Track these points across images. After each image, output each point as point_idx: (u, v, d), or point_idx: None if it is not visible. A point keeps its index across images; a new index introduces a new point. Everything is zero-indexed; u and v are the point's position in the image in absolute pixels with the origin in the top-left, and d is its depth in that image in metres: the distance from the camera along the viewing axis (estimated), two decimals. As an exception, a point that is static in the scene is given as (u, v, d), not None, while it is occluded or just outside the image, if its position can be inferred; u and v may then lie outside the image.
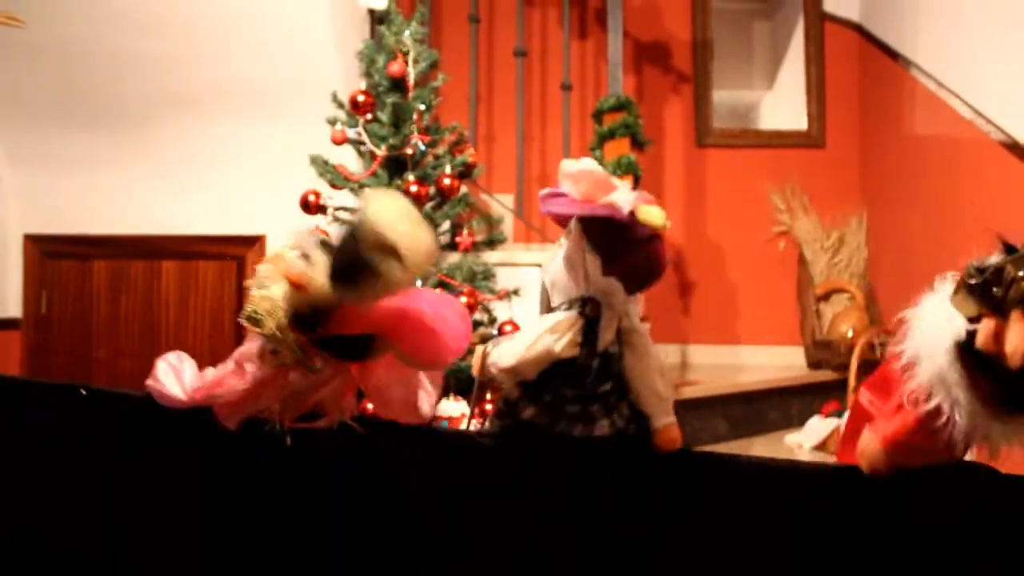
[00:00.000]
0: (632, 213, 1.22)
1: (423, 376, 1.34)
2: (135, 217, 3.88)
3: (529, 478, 1.32)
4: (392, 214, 1.11)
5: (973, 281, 0.93)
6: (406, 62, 2.78)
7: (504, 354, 1.39)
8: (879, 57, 4.19)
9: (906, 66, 3.83)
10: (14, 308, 3.96)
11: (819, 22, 4.61)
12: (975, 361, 0.95)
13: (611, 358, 1.36)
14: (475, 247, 2.90)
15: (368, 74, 2.87)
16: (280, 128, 3.59)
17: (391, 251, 1.09)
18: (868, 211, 4.34)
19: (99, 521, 1.43)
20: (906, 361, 1.02)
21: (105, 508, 1.43)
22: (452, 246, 2.90)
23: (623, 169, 3.26)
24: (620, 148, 3.38)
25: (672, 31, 4.71)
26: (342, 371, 1.26)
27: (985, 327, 0.92)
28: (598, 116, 3.59)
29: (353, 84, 2.93)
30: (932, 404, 1.01)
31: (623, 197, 1.24)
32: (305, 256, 1.15)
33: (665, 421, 1.37)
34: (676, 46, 4.70)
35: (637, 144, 3.53)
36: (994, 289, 0.91)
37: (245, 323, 1.15)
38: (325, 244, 1.16)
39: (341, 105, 2.85)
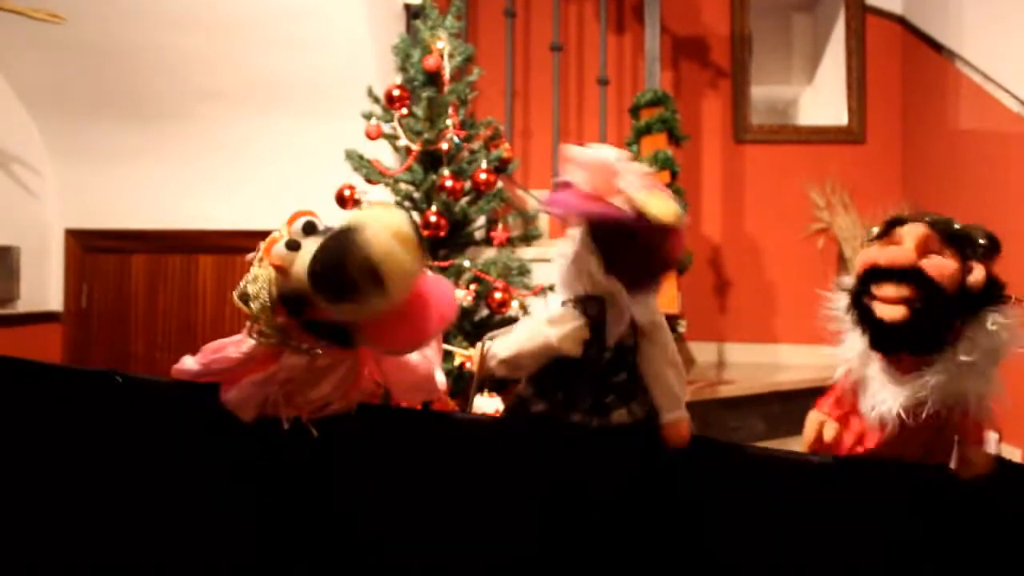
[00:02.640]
0: (640, 213, 1.18)
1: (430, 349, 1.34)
2: (173, 212, 3.92)
3: (539, 465, 1.31)
4: (387, 242, 1.10)
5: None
6: (441, 56, 2.77)
7: (502, 346, 1.37)
8: (922, 50, 4.11)
9: (951, 59, 3.75)
10: (55, 302, 4.02)
11: (860, 15, 4.53)
12: (866, 285, 1.10)
13: (625, 350, 1.34)
14: (510, 242, 2.89)
15: (403, 68, 2.86)
16: (316, 123, 3.60)
17: (376, 280, 1.08)
18: (910, 208, 4.24)
19: (118, 505, 1.45)
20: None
21: (126, 493, 1.44)
22: (487, 241, 2.88)
23: (660, 164, 3.22)
24: (657, 143, 3.34)
25: (710, 25, 4.65)
26: (344, 360, 1.25)
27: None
28: (635, 111, 3.56)
29: (388, 79, 2.92)
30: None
31: (630, 193, 1.20)
32: (292, 242, 1.16)
33: (673, 416, 1.35)
34: (714, 40, 4.65)
35: (674, 139, 3.49)
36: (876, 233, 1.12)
37: (236, 302, 1.16)
38: (310, 229, 1.17)
39: (376, 100, 2.84)
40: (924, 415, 1.10)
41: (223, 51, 3.58)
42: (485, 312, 2.74)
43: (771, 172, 4.56)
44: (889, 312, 1.05)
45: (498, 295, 2.62)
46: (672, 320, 2.76)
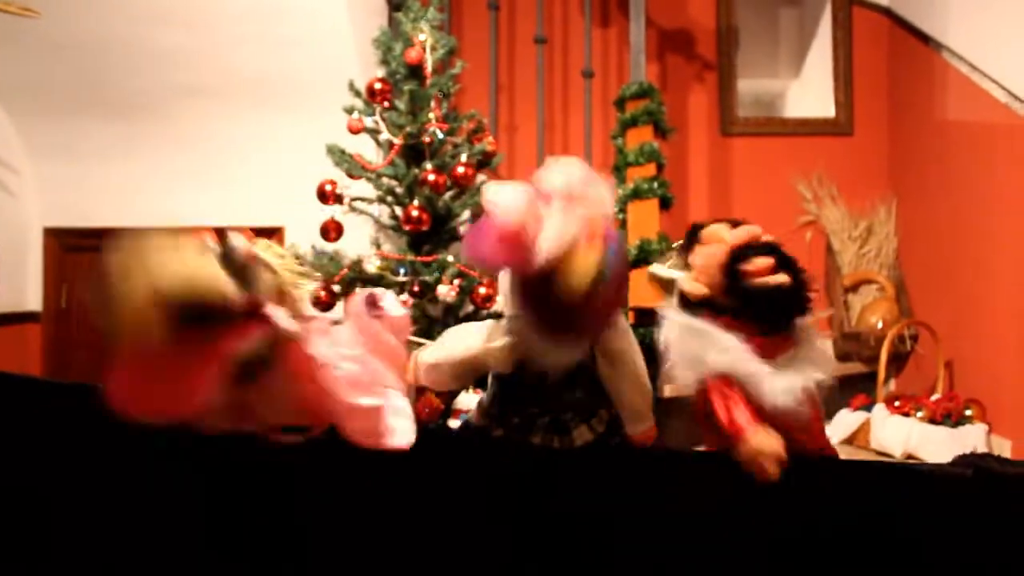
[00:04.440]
0: (551, 269, 1.06)
1: (396, 402, 1.23)
2: (154, 209, 3.86)
3: (506, 490, 1.26)
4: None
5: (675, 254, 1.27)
6: (423, 49, 2.73)
7: (429, 353, 1.32)
8: (909, 41, 4.09)
9: (937, 49, 3.73)
10: (34, 302, 3.96)
11: (847, 7, 4.50)
12: (697, 308, 1.19)
13: (579, 368, 1.30)
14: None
15: (385, 62, 2.83)
16: (298, 118, 3.55)
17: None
18: (897, 200, 4.24)
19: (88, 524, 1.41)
20: None
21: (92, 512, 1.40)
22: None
23: (646, 157, 3.19)
24: (643, 136, 3.31)
25: (696, 18, 4.62)
26: (271, 383, 1.17)
27: (683, 282, 1.23)
28: (620, 103, 3.53)
29: (370, 72, 2.88)
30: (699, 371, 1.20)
31: (546, 248, 1.06)
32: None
33: (636, 429, 1.33)
34: (700, 33, 4.62)
35: (660, 132, 3.46)
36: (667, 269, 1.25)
37: None
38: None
39: (358, 94, 2.80)
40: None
41: (203, 47, 3.52)
42: (471, 308, 2.71)
43: (758, 165, 4.54)
44: (779, 278, 1.12)
45: (483, 290, 2.58)
46: (659, 314, 2.73)
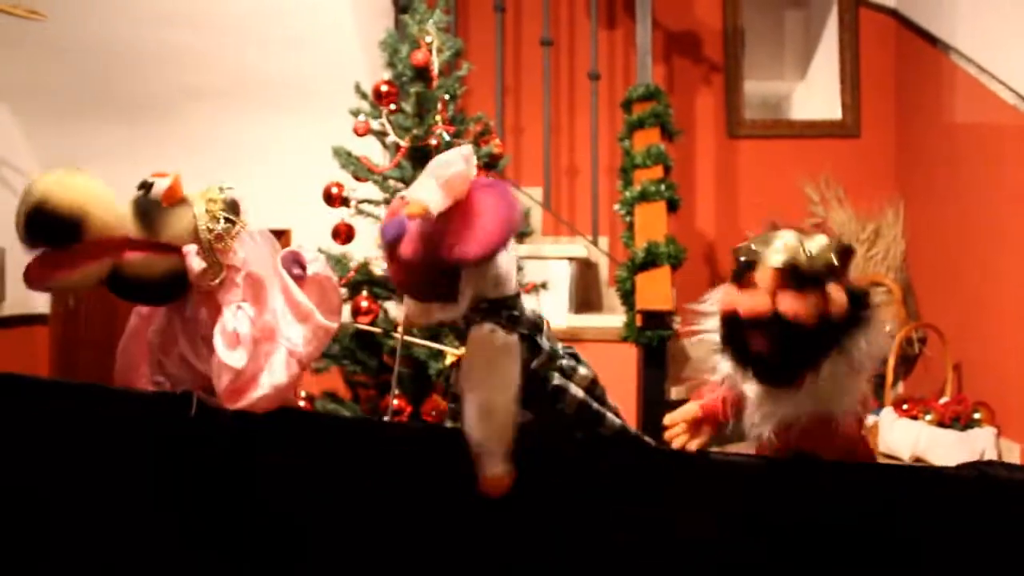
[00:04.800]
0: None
1: (275, 361, 1.31)
2: (160, 211, 3.87)
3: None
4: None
5: (735, 249, 1.13)
6: (430, 51, 2.72)
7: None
8: (916, 43, 4.08)
9: (945, 51, 3.72)
10: (42, 304, 3.96)
11: (854, 8, 4.50)
12: (731, 329, 1.12)
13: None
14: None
15: (391, 64, 2.81)
16: (305, 120, 3.55)
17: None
18: (905, 202, 4.23)
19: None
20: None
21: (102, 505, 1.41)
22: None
23: (652, 159, 3.18)
24: (649, 138, 3.30)
25: (702, 20, 4.62)
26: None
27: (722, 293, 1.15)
28: (627, 105, 3.52)
29: (376, 75, 2.88)
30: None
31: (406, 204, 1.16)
32: None
33: (479, 468, 1.30)
34: (707, 35, 4.61)
35: (667, 134, 3.45)
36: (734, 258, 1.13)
37: None
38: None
39: (364, 96, 2.80)
40: (795, 432, 1.15)
41: (209, 49, 3.53)
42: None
43: (765, 167, 4.53)
44: (756, 344, 1.09)
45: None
46: (667, 316, 2.72)
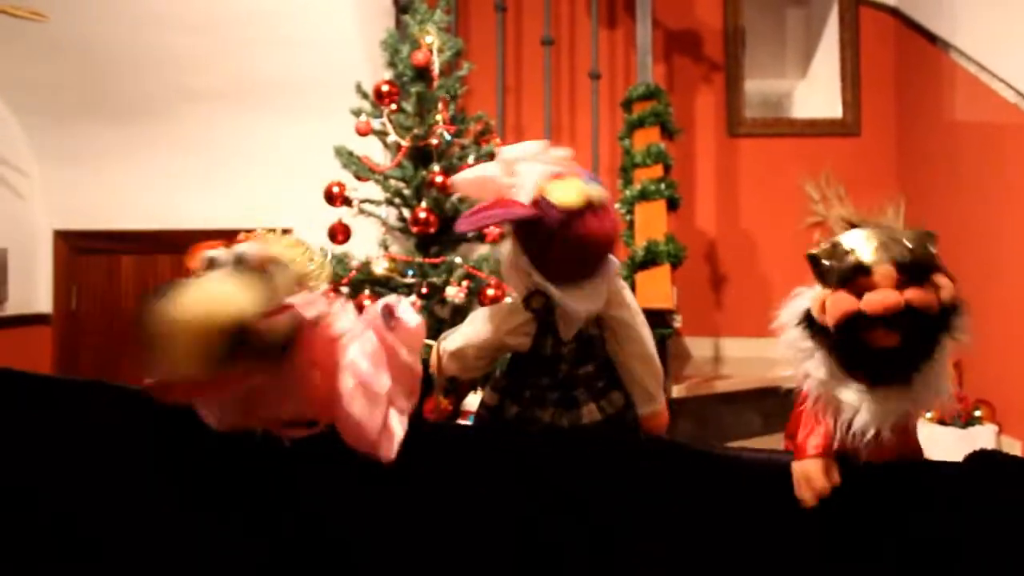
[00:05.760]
0: (540, 201, 1.18)
1: (392, 419, 1.25)
2: (162, 212, 3.88)
3: (516, 473, 1.27)
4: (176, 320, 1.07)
5: (815, 255, 1.12)
6: (431, 51, 2.73)
7: (451, 340, 1.35)
8: (917, 41, 4.08)
9: (945, 49, 3.72)
10: (44, 304, 3.97)
11: (854, 6, 4.50)
12: (816, 329, 1.10)
13: (589, 342, 1.32)
14: (503, 238, 2.85)
15: (392, 64, 2.82)
16: (306, 120, 3.56)
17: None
18: (906, 200, 4.19)
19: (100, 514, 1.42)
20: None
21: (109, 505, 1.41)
22: (480, 238, 2.85)
23: (653, 158, 3.19)
24: (650, 137, 3.31)
25: (703, 19, 4.62)
26: (289, 368, 1.19)
27: (816, 296, 1.10)
28: (627, 105, 3.53)
29: (377, 75, 2.89)
30: (793, 374, 1.14)
31: (525, 188, 1.20)
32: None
33: (647, 409, 1.34)
34: (707, 34, 4.62)
35: (667, 133, 3.46)
36: (824, 263, 1.10)
37: None
38: (211, 264, 1.20)
39: (365, 96, 2.80)
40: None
41: (211, 50, 3.54)
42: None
43: (765, 166, 4.53)
44: (883, 339, 1.06)
45: (491, 292, 2.58)
46: (667, 315, 2.73)
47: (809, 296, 1.14)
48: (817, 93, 4.79)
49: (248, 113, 3.68)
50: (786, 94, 5.04)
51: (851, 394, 1.11)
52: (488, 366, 1.38)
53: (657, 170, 3.16)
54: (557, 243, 1.20)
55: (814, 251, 1.13)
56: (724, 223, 4.53)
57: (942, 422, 3.21)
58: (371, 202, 2.70)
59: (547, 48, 3.74)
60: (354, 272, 2.60)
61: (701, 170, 4.56)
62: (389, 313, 1.27)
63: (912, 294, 1.05)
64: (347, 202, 2.69)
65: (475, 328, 1.35)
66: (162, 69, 3.61)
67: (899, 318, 1.04)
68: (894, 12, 4.39)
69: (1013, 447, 3.16)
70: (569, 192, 1.17)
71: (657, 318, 2.67)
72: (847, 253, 1.09)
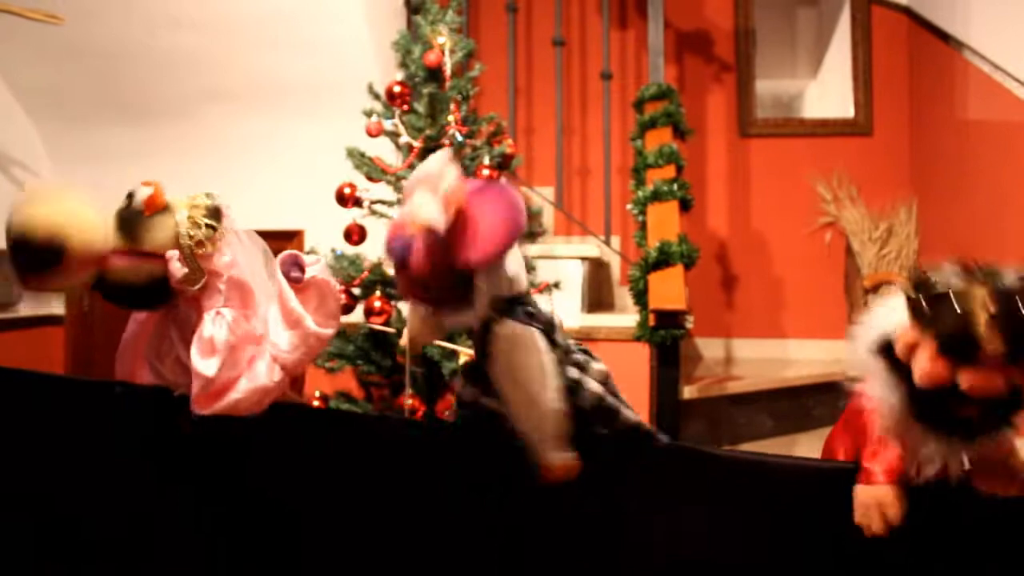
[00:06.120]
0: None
1: (258, 368, 1.33)
2: (174, 213, 3.88)
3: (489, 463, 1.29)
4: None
5: (914, 293, 0.97)
6: (442, 52, 2.73)
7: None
8: (929, 40, 4.06)
9: (958, 48, 3.70)
10: (57, 305, 3.99)
11: (866, 6, 4.48)
12: (894, 360, 0.99)
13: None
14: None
15: (404, 64, 2.82)
16: (318, 122, 3.57)
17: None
18: (918, 200, 4.21)
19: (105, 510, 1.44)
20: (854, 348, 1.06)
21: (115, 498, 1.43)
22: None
23: (665, 159, 3.18)
24: (661, 137, 3.30)
25: (713, 19, 4.61)
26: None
27: (905, 334, 0.97)
28: (639, 105, 3.52)
29: (389, 76, 2.89)
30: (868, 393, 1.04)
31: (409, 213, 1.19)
32: None
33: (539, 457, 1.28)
34: (718, 34, 4.61)
35: (679, 134, 3.45)
36: (926, 307, 0.95)
37: None
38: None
39: (377, 97, 2.81)
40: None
41: (224, 51, 3.55)
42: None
43: (777, 166, 4.52)
44: (964, 411, 0.99)
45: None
46: (680, 316, 2.72)
47: (894, 323, 1.01)
48: (829, 93, 4.78)
49: (261, 114, 3.69)
50: (797, 94, 5.03)
51: (916, 431, 1.05)
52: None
53: (669, 171, 3.16)
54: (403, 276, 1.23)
55: (913, 286, 0.99)
56: (736, 224, 4.52)
57: None
58: (383, 203, 2.70)
59: (558, 49, 3.74)
60: (366, 273, 2.60)
61: (713, 171, 4.56)
62: (294, 262, 1.38)
63: (1016, 376, 0.95)
64: (358, 203, 2.69)
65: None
66: (175, 71, 3.63)
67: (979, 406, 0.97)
68: (906, 11, 4.38)
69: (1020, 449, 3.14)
70: (419, 212, 1.16)
71: (670, 319, 2.66)
72: (956, 312, 0.94)
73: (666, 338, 2.67)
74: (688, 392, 3.20)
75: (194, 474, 1.39)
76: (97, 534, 1.45)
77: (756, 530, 1.20)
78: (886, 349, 1.01)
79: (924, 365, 0.94)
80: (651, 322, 2.69)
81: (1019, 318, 0.92)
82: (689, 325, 2.96)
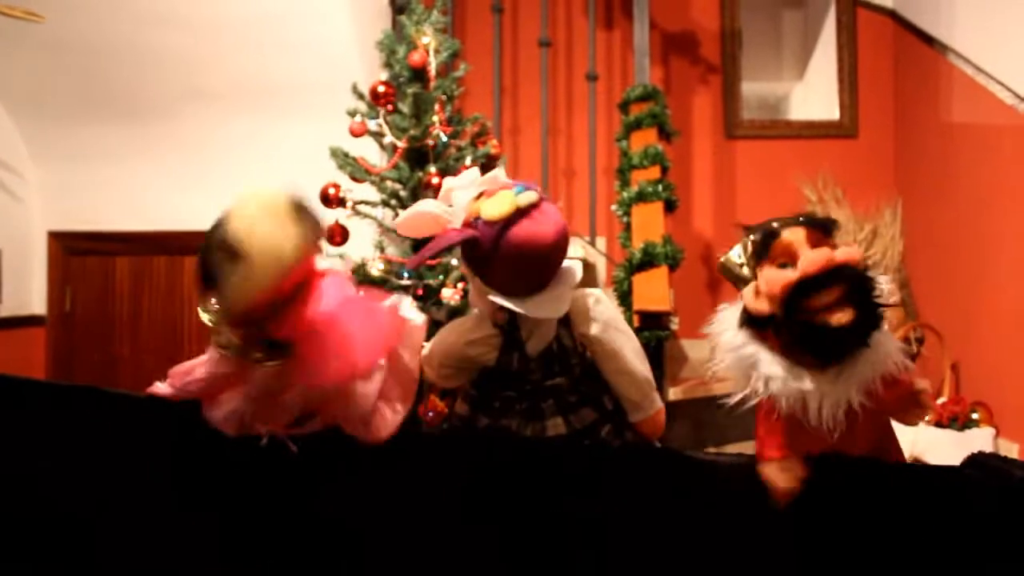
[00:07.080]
0: (471, 221, 1.24)
1: (394, 392, 1.27)
2: (157, 213, 3.86)
3: (484, 481, 1.28)
4: (250, 214, 1.09)
5: (724, 261, 1.14)
6: (427, 52, 2.72)
7: (426, 347, 1.39)
8: (914, 43, 4.08)
9: (943, 51, 3.72)
10: (38, 305, 3.95)
11: (851, 9, 4.50)
12: (758, 324, 1.10)
13: (562, 356, 1.32)
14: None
15: (388, 65, 2.81)
16: (302, 121, 3.55)
17: (234, 254, 1.02)
18: (903, 202, 4.23)
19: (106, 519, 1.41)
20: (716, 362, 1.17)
21: (112, 508, 1.40)
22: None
23: (650, 160, 3.18)
24: (647, 138, 3.30)
25: (700, 21, 4.62)
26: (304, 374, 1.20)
27: (747, 291, 1.11)
28: (624, 106, 3.52)
29: (374, 76, 2.87)
30: (747, 388, 1.12)
31: (457, 214, 1.27)
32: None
33: (635, 418, 1.37)
34: (704, 36, 4.61)
35: (664, 135, 3.45)
36: (736, 260, 1.13)
37: (200, 314, 1.14)
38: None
39: (361, 97, 2.79)
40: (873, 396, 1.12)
41: (207, 50, 3.52)
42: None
43: (763, 167, 4.53)
44: (839, 317, 1.05)
45: (487, 294, 2.57)
46: (665, 317, 2.72)
47: (736, 305, 1.15)
48: (814, 95, 4.80)
49: (244, 114, 3.67)
50: (783, 96, 5.05)
51: (810, 383, 1.10)
52: (456, 376, 1.39)
53: (654, 172, 3.15)
54: (497, 255, 1.23)
55: (722, 259, 1.15)
56: (721, 225, 4.52)
57: (939, 424, 3.21)
58: (367, 203, 2.69)
59: (544, 49, 3.73)
60: (350, 274, 2.59)
61: (698, 172, 4.56)
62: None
63: (838, 252, 1.06)
64: (342, 203, 2.68)
65: (442, 336, 1.38)
66: (158, 71, 3.60)
67: (836, 279, 1.04)
68: (891, 14, 4.39)
69: (1010, 449, 3.15)
70: (495, 205, 1.21)
71: (654, 320, 2.66)
72: (775, 226, 1.11)
73: (650, 339, 2.67)
74: (673, 394, 3.20)
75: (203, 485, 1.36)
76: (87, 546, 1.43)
77: (720, 528, 1.21)
78: (745, 320, 1.12)
79: (767, 284, 1.07)
80: (636, 323, 2.69)
81: (819, 218, 1.11)
82: (674, 326, 2.96)
